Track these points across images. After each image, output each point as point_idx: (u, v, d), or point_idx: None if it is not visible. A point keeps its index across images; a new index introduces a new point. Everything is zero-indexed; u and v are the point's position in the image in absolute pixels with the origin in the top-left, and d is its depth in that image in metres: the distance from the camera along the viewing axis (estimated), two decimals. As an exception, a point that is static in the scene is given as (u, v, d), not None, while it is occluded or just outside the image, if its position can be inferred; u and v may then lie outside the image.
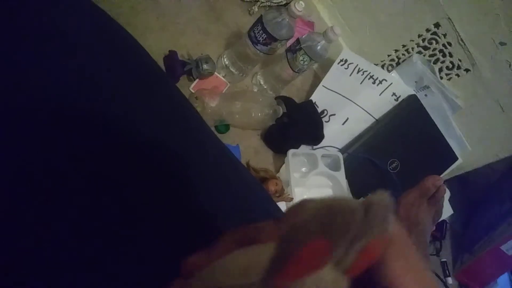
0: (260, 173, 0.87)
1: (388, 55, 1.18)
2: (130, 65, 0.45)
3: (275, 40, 0.91)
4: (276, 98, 1.04)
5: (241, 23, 1.13)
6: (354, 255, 0.21)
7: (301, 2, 0.89)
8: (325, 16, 1.21)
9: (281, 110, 0.99)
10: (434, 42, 1.09)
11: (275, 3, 1.21)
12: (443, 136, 1.14)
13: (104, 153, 0.38)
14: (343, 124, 1.10)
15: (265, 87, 1.05)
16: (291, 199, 0.88)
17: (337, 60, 1.13)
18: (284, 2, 1.23)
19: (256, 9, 1.17)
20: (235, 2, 1.16)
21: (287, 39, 0.95)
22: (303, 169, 1.00)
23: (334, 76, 1.12)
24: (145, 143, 0.41)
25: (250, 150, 0.97)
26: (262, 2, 1.19)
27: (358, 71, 1.12)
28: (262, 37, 0.91)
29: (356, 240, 0.21)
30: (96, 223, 0.36)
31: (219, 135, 0.93)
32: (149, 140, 0.42)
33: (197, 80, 0.94)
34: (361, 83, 1.11)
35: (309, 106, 1.08)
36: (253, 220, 0.47)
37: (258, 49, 0.93)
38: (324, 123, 1.08)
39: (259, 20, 0.91)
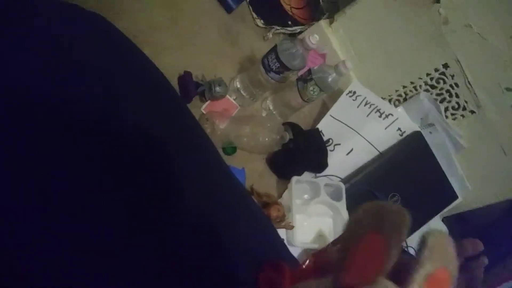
0: (263, 198, 0.89)
1: (396, 90, 1.21)
2: (140, 83, 0.47)
3: (288, 69, 0.93)
4: (283, 124, 1.06)
5: (256, 47, 1.16)
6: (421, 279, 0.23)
7: (315, 35, 0.92)
8: (337, 47, 1.24)
9: (287, 136, 1.01)
10: (442, 81, 1.12)
11: (290, 30, 1.25)
12: (444, 174, 1.16)
13: (106, 152, 0.40)
14: (347, 154, 1.11)
15: (274, 112, 1.07)
16: (292, 227, 0.89)
17: (346, 91, 1.16)
18: (298, 30, 1.26)
19: (271, 36, 1.20)
20: (250, 27, 1.19)
21: (299, 70, 0.97)
22: (305, 196, 1.02)
23: (341, 107, 1.15)
24: (148, 146, 0.43)
25: (255, 173, 0.99)
26: (277, 29, 1.22)
27: (366, 104, 1.14)
28: (275, 66, 0.93)
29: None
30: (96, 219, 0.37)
31: (225, 157, 0.94)
32: (152, 144, 0.43)
33: (208, 101, 0.96)
34: (367, 116, 1.14)
35: (315, 134, 1.10)
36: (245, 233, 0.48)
37: (270, 77, 0.95)
38: (329, 152, 1.10)
39: (274, 49, 0.93)
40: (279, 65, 0.93)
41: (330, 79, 0.98)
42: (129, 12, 0.91)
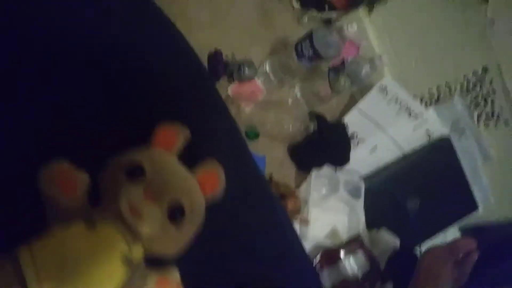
0: (280, 189, 0.87)
1: (429, 89, 1.16)
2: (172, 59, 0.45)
3: (321, 58, 0.90)
4: (309, 113, 1.03)
5: (289, 31, 1.12)
6: None
7: (354, 24, 0.88)
8: (373, 38, 1.18)
9: (312, 127, 0.99)
10: (478, 86, 1.06)
11: (326, 15, 1.20)
12: (468, 183, 1.12)
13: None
14: (370, 151, 1.08)
15: (300, 100, 1.04)
16: (308, 222, 0.87)
17: (377, 86, 1.11)
18: (334, 16, 1.21)
19: (306, 20, 1.15)
20: (286, 8, 1.15)
21: (332, 59, 0.94)
22: (323, 190, 0.99)
23: (371, 102, 1.11)
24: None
25: (275, 161, 0.97)
26: (313, 13, 1.17)
27: (396, 101, 1.10)
28: (309, 53, 0.90)
29: None
30: None
31: (246, 142, 0.93)
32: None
33: (236, 82, 0.94)
34: (396, 114, 1.10)
35: (341, 127, 1.07)
36: None
37: (302, 63, 0.92)
38: (352, 146, 1.07)
39: (309, 35, 0.90)
40: (312, 52, 0.90)
41: (363, 73, 0.94)
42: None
